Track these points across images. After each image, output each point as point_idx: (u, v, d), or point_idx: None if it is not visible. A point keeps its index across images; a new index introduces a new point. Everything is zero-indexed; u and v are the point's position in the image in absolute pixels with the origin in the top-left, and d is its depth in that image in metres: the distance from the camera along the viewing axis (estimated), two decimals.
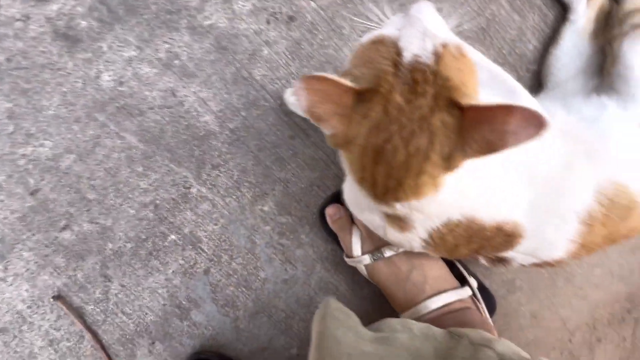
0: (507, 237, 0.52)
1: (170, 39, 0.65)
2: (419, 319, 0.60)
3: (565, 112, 0.59)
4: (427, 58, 0.35)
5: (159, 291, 0.68)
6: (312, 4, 0.67)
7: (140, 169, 0.66)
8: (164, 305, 0.68)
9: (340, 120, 0.37)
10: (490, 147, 0.35)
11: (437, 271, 0.65)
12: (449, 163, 0.37)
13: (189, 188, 0.67)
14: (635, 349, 0.83)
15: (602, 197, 0.53)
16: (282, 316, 0.71)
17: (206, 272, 0.69)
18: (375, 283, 0.67)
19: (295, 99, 0.65)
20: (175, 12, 0.64)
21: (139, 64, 0.64)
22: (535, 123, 0.32)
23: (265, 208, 0.69)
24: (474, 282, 0.67)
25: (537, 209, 0.52)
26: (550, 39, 0.74)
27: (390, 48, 0.37)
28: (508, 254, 0.56)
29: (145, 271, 0.67)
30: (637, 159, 0.55)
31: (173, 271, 0.68)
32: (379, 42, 0.38)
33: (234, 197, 0.68)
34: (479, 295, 0.67)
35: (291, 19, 0.67)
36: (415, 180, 0.38)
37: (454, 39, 0.39)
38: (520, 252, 0.55)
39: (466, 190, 0.48)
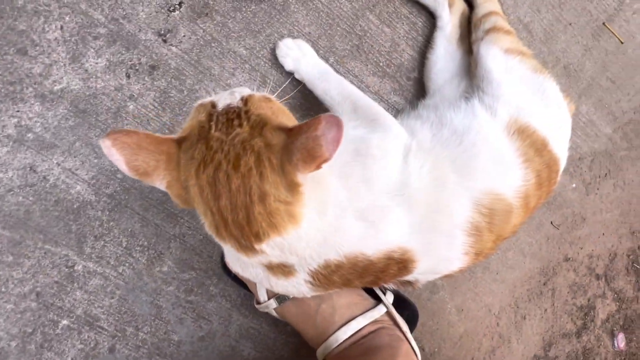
0: (400, 264, 0.52)
1: (17, 112, 0.59)
2: (332, 352, 0.59)
3: (439, 126, 0.61)
4: (237, 103, 0.42)
5: None
6: (173, 49, 0.64)
7: (10, 259, 0.60)
8: None
9: (168, 169, 0.39)
10: (311, 154, 0.37)
11: (347, 298, 0.64)
12: (284, 178, 0.39)
13: (73, 266, 0.62)
14: (557, 317, 0.88)
15: (481, 208, 0.54)
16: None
17: (111, 350, 0.64)
18: (289, 323, 0.65)
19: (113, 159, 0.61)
20: (17, 82, 0.59)
21: None
22: (336, 123, 0.36)
23: (165, 269, 0.65)
24: (389, 298, 0.67)
25: (422, 230, 0.52)
26: (424, 45, 0.76)
27: (207, 105, 0.43)
28: (410, 277, 0.57)
29: None
30: (505, 166, 0.57)
31: (72, 358, 0.62)
32: (201, 104, 0.44)
33: (126, 264, 0.64)
34: (393, 312, 0.66)
35: (153, 68, 0.64)
36: (262, 206, 0.39)
37: (261, 93, 0.46)
38: (420, 273, 0.56)
39: (336, 226, 0.48)
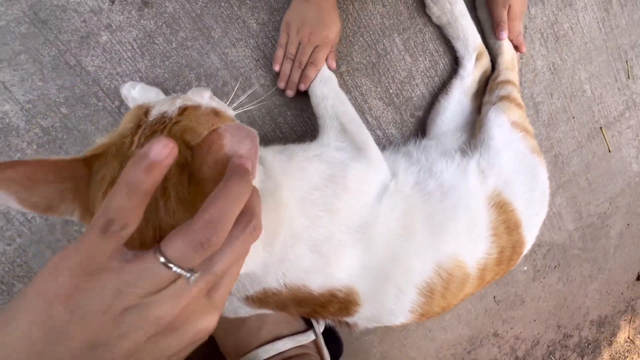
0: (343, 304, 0.49)
1: None
2: None
3: (427, 175, 0.58)
4: (172, 113, 0.34)
5: None
6: None
7: None
8: None
9: (77, 198, 0.30)
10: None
11: (278, 315, 0.60)
12: (191, 196, 0.30)
13: None
14: None
15: (442, 271, 0.52)
16: None
17: None
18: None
19: (130, 98, 0.53)
20: None
21: None
22: (246, 135, 0.28)
23: (83, 229, 0.56)
24: (320, 326, 0.64)
25: (373, 275, 0.49)
26: (438, 88, 0.73)
27: (140, 110, 0.36)
28: (349, 319, 0.53)
29: None
30: (475, 235, 0.56)
31: None
32: (138, 107, 0.37)
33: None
34: (321, 342, 0.63)
35: (145, 4, 0.54)
36: (173, 220, 0.30)
37: (211, 104, 0.38)
38: (361, 318, 0.53)
39: (282, 257, 0.43)
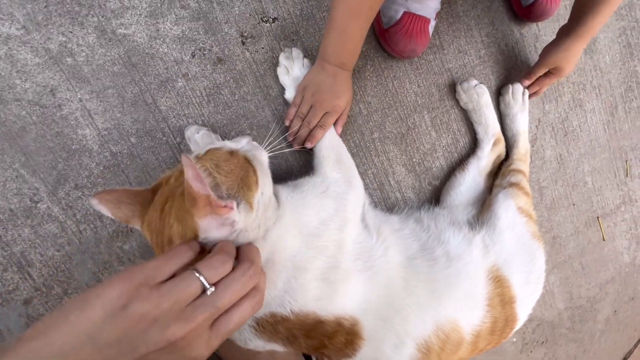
0: (348, 336, 0.53)
1: (69, 32, 0.56)
2: None
3: (435, 242, 0.64)
4: (200, 153, 0.46)
5: None
6: (247, 54, 0.64)
7: None
8: None
9: (141, 216, 0.45)
10: (189, 195, 0.40)
11: (288, 354, 0.64)
12: (185, 223, 0.41)
13: (37, 203, 0.57)
14: None
15: (440, 332, 0.57)
16: None
17: (27, 302, 0.58)
18: (220, 356, 0.63)
19: (192, 140, 0.61)
20: (85, 6, 0.56)
21: (20, 46, 0.54)
22: (186, 164, 0.38)
23: (126, 247, 0.62)
24: None
25: (374, 311, 0.54)
26: (456, 163, 0.81)
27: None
28: None
29: None
30: (473, 303, 0.61)
31: None
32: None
33: (91, 226, 0.60)
34: None
35: (220, 60, 0.63)
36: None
37: (243, 147, 0.49)
38: None
39: (287, 288, 0.48)
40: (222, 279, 0.35)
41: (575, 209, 0.94)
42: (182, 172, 0.42)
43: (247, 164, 0.46)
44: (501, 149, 0.79)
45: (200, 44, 0.62)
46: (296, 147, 0.65)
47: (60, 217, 0.58)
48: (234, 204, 0.41)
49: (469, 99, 0.76)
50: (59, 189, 0.58)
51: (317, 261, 0.51)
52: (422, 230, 0.66)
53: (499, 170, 0.79)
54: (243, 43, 0.64)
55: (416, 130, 0.77)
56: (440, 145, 0.80)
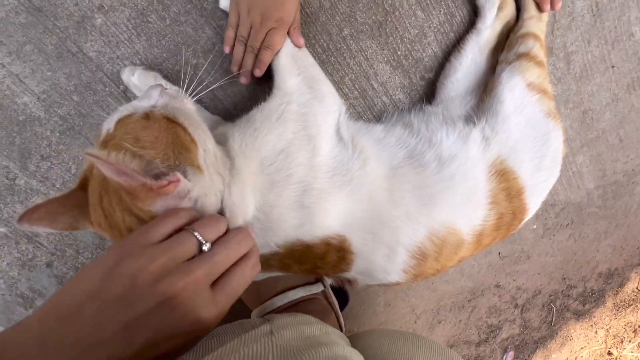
0: (339, 252, 0.52)
1: None
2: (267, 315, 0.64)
3: (425, 146, 0.57)
4: (111, 130, 0.40)
5: None
6: None
7: None
8: (3, 295, 0.65)
9: (86, 217, 0.41)
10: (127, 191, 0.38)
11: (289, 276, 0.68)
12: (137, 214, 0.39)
13: (14, 179, 0.58)
14: (467, 328, 0.99)
15: (434, 238, 0.55)
16: None
17: (49, 265, 0.65)
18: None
19: (131, 84, 0.55)
20: None
21: None
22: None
23: None
24: (328, 279, 0.72)
25: (361, 226, 0.52)
26: (454, 46, 0.67)
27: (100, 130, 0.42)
28: (350, 274, 0.59)
29: None
30: (471, 204, 0.56)
31: (8, 263, 0.63)
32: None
33: None
34: (329, 290, 0.71)
35: None
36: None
37: (158, 102, 0.42)
38: (359, 273, 0.58)
39: (265, 226, 0.47)
40: (218, 238, 0.36)
41: (614, 72, 0.77)
42: None
43: (171, 123, 0.40)
44: (509, 13, 0.62)
45: None
46: (244, 80, 0.56)
47: (42, 189, 0.60)
48: (178, 175, 0.37)
49: None
50: (27, 163, 0.58)
51: (285, 192, 0.47)
52: (411, 136, 0.59)
53: (507, 41, 0.63)
54: None
55: (396, 13, 0.62)
56: (430, 27, 0.65)
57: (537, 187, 0.61)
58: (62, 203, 0.40)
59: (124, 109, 0.41)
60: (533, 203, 0.61)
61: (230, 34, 0.54)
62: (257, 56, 0.54)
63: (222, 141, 0.48)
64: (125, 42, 0.55)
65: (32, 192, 0.60)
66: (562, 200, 0.89)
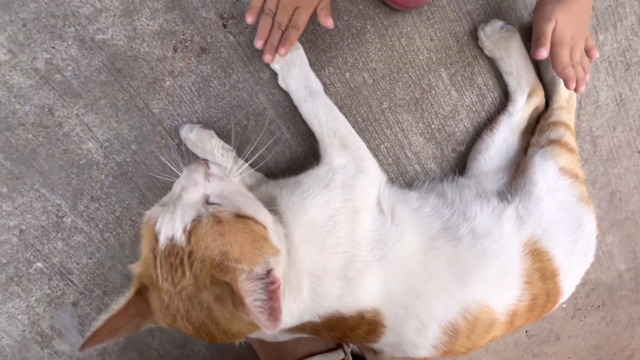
0: (371, 326, 0.52)
1: (52, 47, 0.55)
2: None
3: (459, 219, 0.58)
4: (180, 238, 0.38)
5: (19, 317, 0.64)
6: (231, 37, 0.59)
7: (4, 190, 0.59)
8: (24, 331, 0.64)
9: (149, 318, 0.42)
10: (257, 320, 0.37)
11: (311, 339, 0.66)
12: (241, 320, 0.40)
13: (62, 217, 0.61)
14: None
15: (467, 315, 0.54)
16: (154, 354, 0.70)
17: (75, 304, 0.65)
18: (248, 341, 0.66)
19: (188, 141, 0.59)
20: (60, 17, 0.54)
21: (11, 71, 0.55)
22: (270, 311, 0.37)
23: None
24: (349, 347, 0.69)
25: (394, 299, 0.51)
26: (484, 123, 0.71)
27: (151, 233, 0.40)
28: (377, 346, 0.57)
29: (4, 296, 0.63)
30: (505, 283, 0.56)
31: (36, 299, 0.64)
32: (147, 224, 0.42)
33: (114, 233, 0.63)
34: (350, 358, 0.68)
35: (203, 50, 0.59)
36: (226, 335, 0.41)
37: (209, 210, 0.40)
38: (386, 345, 0.56)
39: (312, 297, 0.47)
40: None
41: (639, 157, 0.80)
42: (174, 270, 0.38)
43: (240, 218, 0.40)
44: (538, 100, 0.67)
45: (180, 36, 0.58)
46: (268, 58, 0.53)
47: (85, 228, 0.62)
48: (275, 274, 0.38)
49: (494, 46, 0.64)
50: (78, 203, 0.61)
51: (334, 261, 0.48)
52: (445, 206, 0.60)
53: (537, 125, 0.67)
54: (224, 26, 0.59)
55: (432, 92, 0.68)
56: (463, 106, 0.70)
57: (571, 270, 0.60)
58: (122, 316, 0.40)
59: (183, 215, 0.39)
60: (567, 286, 0.60)
61: (256, 2, 0.51)
62: (283, 33, 0.52)
63: (267, 202, 0.50)
64: (187, 102, 0.60)
65: (75, 230, 0.62)
66: (593, 279, 0.87)
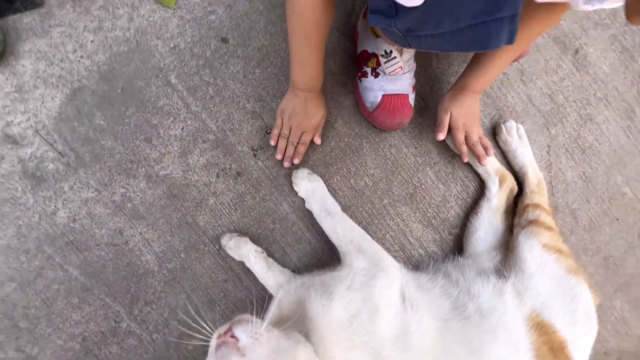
0: None
1: (127, 184, 0.73)
2: None
3: (465, 298, 0.66)
4: None
5: None
6: (259, 163, 0.77)
7: (75, 301, 0.70)
8: None
9: None
10: None
11: None
12: None
13: (120, 322, 0.71)
14: None
15: None
16: None
17: None
18: None
19: (227, 247, 0.72)
20: (135, 162, 0.73)
21: (95, 204, 0.72)
22: None
23: (190, 347, 0.73)
24: None
25: None
26: (472, 207, 0.83)
27: None
28: None
29: None
30: (516, 356, 0.60)
31: None
32: None
33: (160, 333, 0.72)
34: None
35: (239, 174, 0.77)
36: None
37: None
38: None
39: None
40: None
41: (620, 224, 0.89)
42: None
43: None
44: (510, 184, 0.80)
45: (222, 166, 0.76)
46: (287, 164, 0.75)
47: (137, 331, 0.71)
48: None
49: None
50: (133, 308, 0.71)
51: (365, 355, 0.53)
52: (452, 286, 0.67)
53: (517, 208, 0.79)
54: (255, 155, 0.77)
55: (423, 187, 0.83)
56: (451, 195, 0.83)
57: (578, 340, 0.64)
58: None
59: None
60: (578, 357, 0.63)
61: (276, 132, 0.74)
62: (295, 148, 0.73)
63: (298, 303, 0.57)
64: (226, 215, 0.76)
65: (129, 334, 0.71)
66: (614, 348, 0.87)
